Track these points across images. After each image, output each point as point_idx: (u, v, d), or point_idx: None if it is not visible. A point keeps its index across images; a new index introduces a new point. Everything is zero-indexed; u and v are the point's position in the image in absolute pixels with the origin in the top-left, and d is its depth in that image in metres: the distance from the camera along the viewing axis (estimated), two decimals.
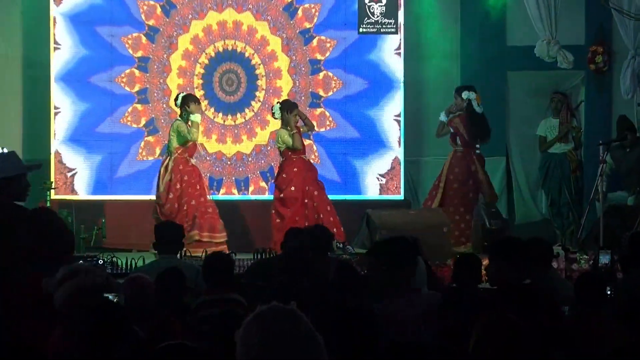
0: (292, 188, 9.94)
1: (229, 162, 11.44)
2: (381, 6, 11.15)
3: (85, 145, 11.20)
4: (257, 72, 11.46)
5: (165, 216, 9.73)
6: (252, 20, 11.43)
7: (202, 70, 11.41)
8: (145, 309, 4.86)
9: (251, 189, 11.42)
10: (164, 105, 11.33)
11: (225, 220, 10.27)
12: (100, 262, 8.54)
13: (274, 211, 10.04)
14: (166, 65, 11.35)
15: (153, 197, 10.32)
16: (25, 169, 5.68)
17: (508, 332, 3.41)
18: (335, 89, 11.52)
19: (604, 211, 9.74)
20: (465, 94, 10.48)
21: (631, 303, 5.40)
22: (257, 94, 11.47)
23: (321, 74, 11.47)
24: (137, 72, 11.31)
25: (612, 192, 10.49)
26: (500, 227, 10.18)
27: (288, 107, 10.13)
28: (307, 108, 11.34)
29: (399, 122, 11.51)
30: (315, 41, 11.46)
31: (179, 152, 9.94)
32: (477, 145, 10.66)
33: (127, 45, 11.28)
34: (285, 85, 11.47)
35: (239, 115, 11.45)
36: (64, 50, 11.16)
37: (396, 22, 11.25)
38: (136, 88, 11.33)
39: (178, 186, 9.90)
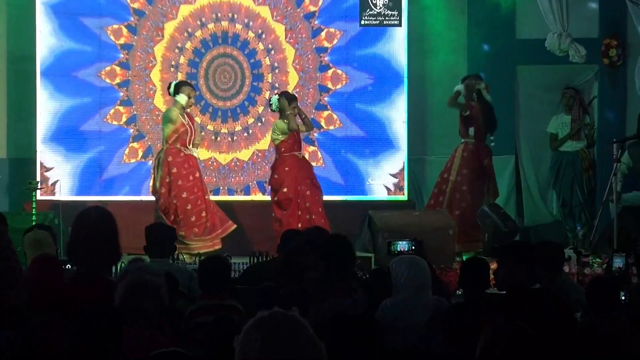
0: (285, 189, 9.92)
1: (223, 171, 11.43)
2: None
3: (69, 143, 11.18)
4: (262, 62, 11.43)
5: (162, 212, 9.77)
6: (250, 2, 11.40)
7: (190, 59, 11.39)
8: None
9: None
10: (150, 101, 11.33)
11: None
12: None
13: (273, 215, 10.06)
14: (150, 53, 11.31)
15: (143, 197, 10.32)
16: None
17: (517, 338, 3.43)
18: (341, 85, 11.53)
19: (618, 212, 9.77)
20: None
21: None
22: (260, 86, 11.47)
23: (330, 72, 11.47)
24: (118, 69, 11.29)
25: (626, 192, 10.51)
26: (513, 229, 10.16)
27: (287, 97, 10.10)
28: (314, 110, 11.37)
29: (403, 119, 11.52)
30: (323, 33, 11.45)
31: (170, 142, 9.92)
32: (492, 137, 10.69)
33: (113, 37, 11.26)
34: (292, 80, 11.48)
35: (238, 122, 11.45)
36: (49, 42, 11.15)
37: (400, 14, 11.27)
38: (117, 80, 11.28)
39: (167, 179, 9.89)
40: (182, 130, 9.87)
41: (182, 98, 9.83)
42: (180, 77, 11.14)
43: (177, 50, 11.33)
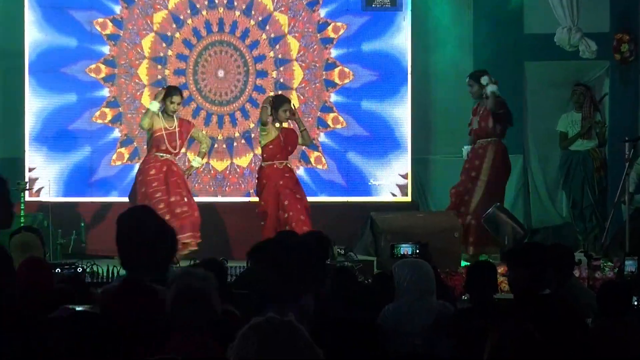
0: (263, 202, 9.97)
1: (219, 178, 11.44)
2: None
3: (56, 143, 11.18)
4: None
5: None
6: None
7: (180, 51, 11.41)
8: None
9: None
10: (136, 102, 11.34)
11: (214, 223, 10.28)
12: (80, 270, 8.54)
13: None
14: (137, 44, 11.28)
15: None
16: None
17: (525, 343, 3.43)
18: (345, 81, 11.54)
19: (631, 214, 9.76)
20: (484, 79, 10.39)
21: None
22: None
23: (336, 70, 11.48)
24: (103, 67, 11.29)
25: (639, 193, 10.51)
26: (524, 234, 10.12)
27: (277, 103, 10.04)
28: (319, 112, 11.38)
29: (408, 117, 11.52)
30: (331, 28, 11.48)
31: (148, 147, 10.05)
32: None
33: (100, 29, 11.25)
34: (297, 75, 11.49)
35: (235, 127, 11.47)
36: (36, 37, 11.15)
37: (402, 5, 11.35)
38: (102, 75, 11.28)
39: (143, 189, 9.93)
40: (156, 136, 9.97)
41: (153, 106, 9.95)
42: (167, 73, 11.18)
43: (164, 45, 11.33)
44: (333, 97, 11.49)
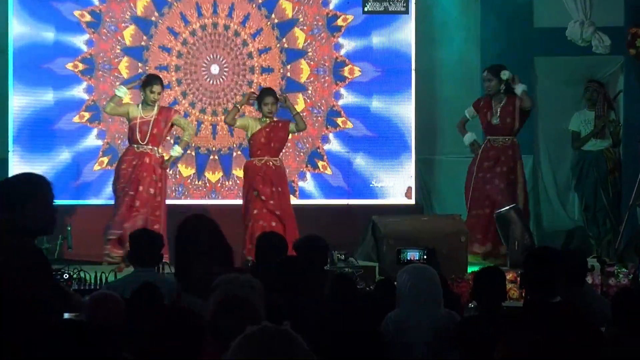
0: (241, 202, 9.99)
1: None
2: None
3: (43, 142, 11.19)
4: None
5: None
6: None
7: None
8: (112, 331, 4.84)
9: None
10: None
11: None
12: (66, 276, 8.52)
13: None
14: (117, 32, 11.29)
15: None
16: None
17: (534, 353, 3.41)
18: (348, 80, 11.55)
19: None
20: (505, 74, 10.38)
21: None
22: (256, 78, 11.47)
23: (346, 69, 11.49)
24: (80, 65, 11.28)
25: None
26: (530, 244, 10.10)
27: (259, 97, 10.04)
28: (326, 115, 11.39)
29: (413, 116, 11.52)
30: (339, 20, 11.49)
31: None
32: None
33: (81, 22, 11.26)
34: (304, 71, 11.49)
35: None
36: (22, 32, 11.15)
37: (407, 0, 11.31)
38: (80, 68, 11.28)
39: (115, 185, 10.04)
40: (130, 125, 9.96)
41: (120, 91, 9.96)
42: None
43: (145, 38, 11.33)
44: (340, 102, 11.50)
